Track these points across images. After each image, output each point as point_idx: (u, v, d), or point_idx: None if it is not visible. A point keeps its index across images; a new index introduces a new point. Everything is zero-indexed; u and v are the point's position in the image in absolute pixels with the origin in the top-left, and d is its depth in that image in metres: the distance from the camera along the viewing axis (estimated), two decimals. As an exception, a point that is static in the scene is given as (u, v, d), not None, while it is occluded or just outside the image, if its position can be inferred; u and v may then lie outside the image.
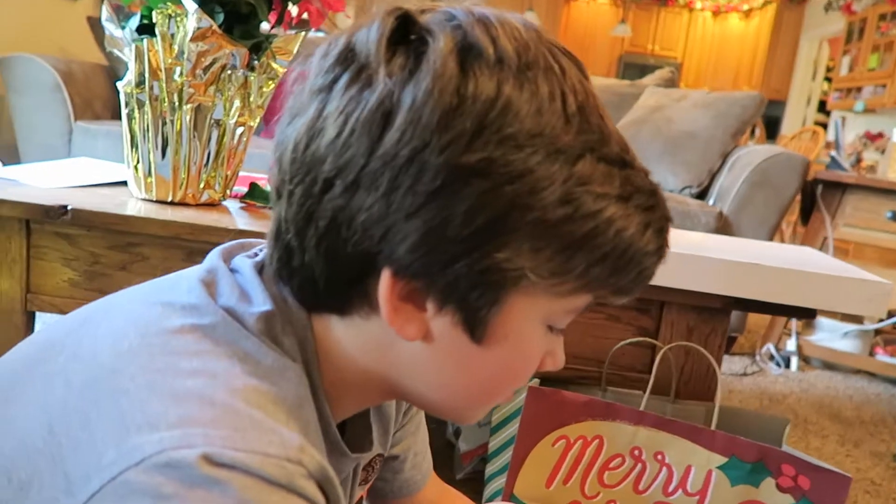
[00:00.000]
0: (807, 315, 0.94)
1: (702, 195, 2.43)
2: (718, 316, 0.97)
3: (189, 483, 0.32)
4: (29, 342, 0.45)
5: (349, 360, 0.44)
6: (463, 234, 0.38)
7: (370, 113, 0.38)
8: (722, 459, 0.89)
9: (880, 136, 5.29)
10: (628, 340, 0.97)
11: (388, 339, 0.43)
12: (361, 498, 0.62)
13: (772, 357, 2.35)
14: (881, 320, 2.43)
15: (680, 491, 0.91)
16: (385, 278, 0.40)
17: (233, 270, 0.44)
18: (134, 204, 1.06)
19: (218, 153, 1.11)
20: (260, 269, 0.45)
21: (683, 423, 0.91)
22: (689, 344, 0.96)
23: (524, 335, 0.43)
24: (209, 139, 1.08)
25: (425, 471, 0.71)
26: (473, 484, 1.12)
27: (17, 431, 0.37)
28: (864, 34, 6.16)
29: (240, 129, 1.11)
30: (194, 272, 0.44)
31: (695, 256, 0.91)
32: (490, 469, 1.06)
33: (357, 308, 0.42)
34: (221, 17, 1.05)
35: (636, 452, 0.92)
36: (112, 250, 1.00)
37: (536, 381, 1.01)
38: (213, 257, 0.45)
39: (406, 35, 0.39)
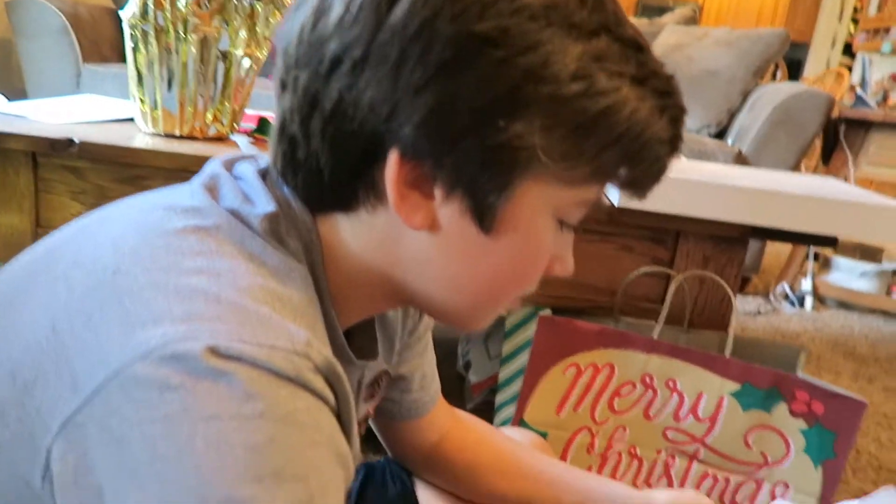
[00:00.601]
0: (827, 243, 0.92)
1: (721, 135, 2.38)
2: (735, 245, 0.95)
3: (195, 374, 0.32)
4: (29, 252, 0.45)
5: (355, 260, 0.43)
6: (473, 107, 0.37)
7: None
8: (735, 386, 0.89)
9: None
10: (643, 270, 0.96)
11: (394, 233, 0.42)
12: (368, 415, 0.62)
13: (786, 296, 2.33)
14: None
15: (691, 417, 0.91)
16: (392, 160, 0.39)
17: (235, 177, 0.44)
18: (141, 138, 1.05)
19: (225, 86, 1.09)
20: (263, 175, 0.44)
21: (697, 351, 0.91)
22: (705, 273, 0.95)
23: (534, 226, 0.42)
24: (215, 71, 1.06)
25: (433, 393, 0.71)
26: (483, 414, 1.12)
27: (22, 336, 0.37)
28: (895, -30, 5.90)
29: (247, 61, 1.09)
30: (195, 179, 0.43)
31: (712, 184, 0.89)
32: (500, 398, 1.07)
33: (363, 201, 0.42)
34: (224, -58, 1.02)
35: (647, 380, 0.92)
36: (119, 183, 0.99)
37: (549, 310, 1.00)
38: (214, 164, 0.45)
39: None
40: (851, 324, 2.20)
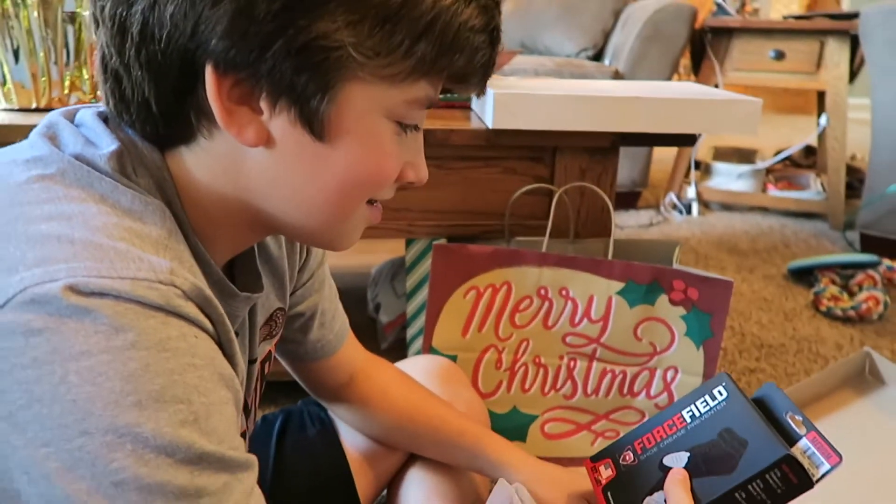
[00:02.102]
0: (688, 142, 0.99)
1: (598, 57, 2.45)
2: (608, 155, 1.01)
3: (58, 315, 0.32)
4: None
5: (207, 192, 0.43)
6: (272, 10, 0.37)
7: None
8: (620, 285, 0.96)
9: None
10: (525, 188, 1.00)
11: (235, 156, 0.42)
12: (271, 353, 0.63)
13: (674, 206, 2.47)
14: (777, 152, 2.58)
15: (585, 320, 0.98)
16: (209, 76, 0.39)
17: (76, 124, 0.43)
18: (-5, 115, 0.98)
19: (78, 51, 1.03)
20: (105, 119, 0.43)
21: (583, 258, 0.96)
22: (583, 184, 1.00)
23: (369, 129, 0.43)
24: (65, 35, 1.00)
25: (338, 331, 0.72)
26: (398, 351, 1.16)
27: None
28: None
29: (98, 22, 1.03)
30: (33, 131, 0.43)
31: (580, 97, 0.93)
32: (410, 332, 1.10)
33: (197, 128, 0.42)
34: None
35: (542, 292, 0.98)
36: (-21, 166, 0.93)
37: (444, 239, 1.03)
38: (53, 114, 0.44)
39: None
40: (733, 223, 2.37)
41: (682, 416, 0.65)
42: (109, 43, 0.40)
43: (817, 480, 0.54)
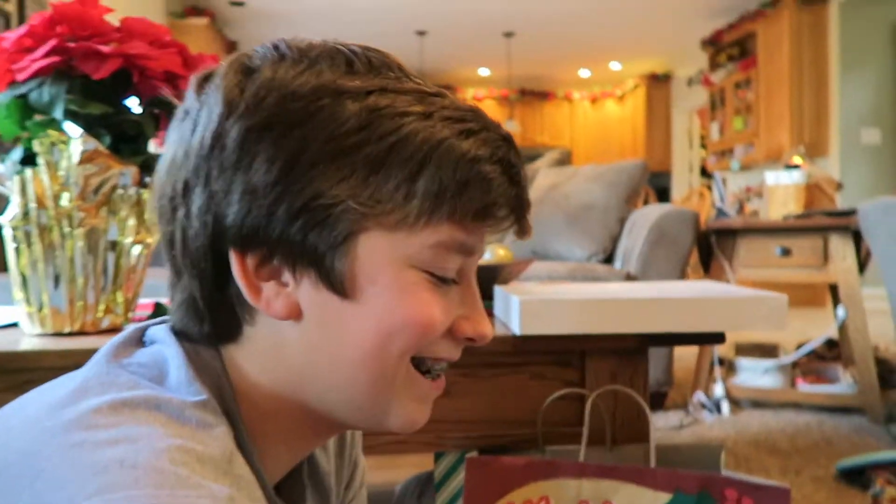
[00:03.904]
0: (717, 340, 0.98)
1: (608, 260, 2.53)
2: (637, 356, 0.99)
3: None
4: None
5: (261, 390, 0.43)
6: (269, 182, 0.40)
7: (186, 127, 0.42)
8: (667, 496, 0.89)
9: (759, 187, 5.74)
10: (557, 394, 0.97)
11: (276, 338, 0.43)
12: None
13: (703, 405, 2.39)
14: (798, 345, 2.54)
15: (634, 538, 0.89)
16: (233, 258, 0.41)
17: (146, 341, 0.45)
18: (27, 340, 1.00)
19: (116, 275, 1.07)
20: (175, 332, 0.45)
21: (624, 467, 0.91)
22: (615, 387, 0.97)
23: (395, 279, 0.41)
24: (105, 262, 1.05)
25: None
26: (428, 580, 1.06)
27: None
28: (726, 101, 6.81)
29: (137, 248, 1.09)
30: (101, 350, 0.44)
31: (606, 301, 0.94)
32: (442, 558, 1.01)
33: (242, 317, 0.43)
34: (108, 139, 1.05)
35: (584, 506, 0.91)
36: (8, 392, 0.93)
37: (475, 451, 0.98)
38: (121, 336, 0.45)
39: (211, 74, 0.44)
40: (767, 420, 2.28)
41: None
42: (166, 254, 0.44)
43: None
